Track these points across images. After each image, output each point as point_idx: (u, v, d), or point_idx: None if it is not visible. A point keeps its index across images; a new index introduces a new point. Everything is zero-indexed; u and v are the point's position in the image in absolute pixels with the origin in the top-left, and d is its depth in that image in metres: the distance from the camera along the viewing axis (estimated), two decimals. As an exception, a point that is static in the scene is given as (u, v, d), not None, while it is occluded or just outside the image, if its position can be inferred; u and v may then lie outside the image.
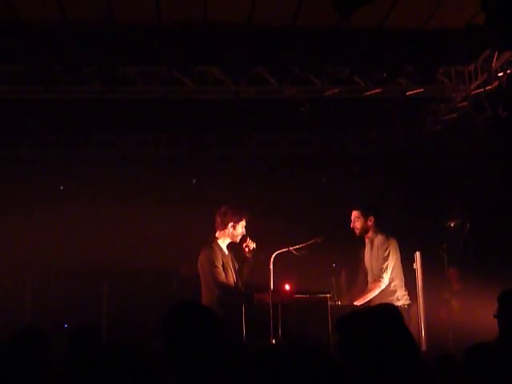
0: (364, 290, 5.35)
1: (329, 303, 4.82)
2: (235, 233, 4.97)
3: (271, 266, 4.96)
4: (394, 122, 7.24)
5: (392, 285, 5.28)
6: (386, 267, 5.24)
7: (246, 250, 5.07)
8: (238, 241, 5.03)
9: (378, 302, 5.00)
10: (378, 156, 7.81)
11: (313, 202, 7.68)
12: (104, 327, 6.92)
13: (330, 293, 4.87)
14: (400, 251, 5.38)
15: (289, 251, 5.12)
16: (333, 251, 6.45)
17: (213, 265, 4.81)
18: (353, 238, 5.51)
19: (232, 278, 4.93)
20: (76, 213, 7.52)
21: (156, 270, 7.15)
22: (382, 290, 5.23)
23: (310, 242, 5.20)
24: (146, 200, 7.46)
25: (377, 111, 6.95)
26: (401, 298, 5.25)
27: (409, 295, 5.34)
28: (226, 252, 5.03)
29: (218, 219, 5.00)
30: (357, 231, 5.42)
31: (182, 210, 7.29)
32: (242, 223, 4.99)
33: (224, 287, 4.79)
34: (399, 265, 5.35)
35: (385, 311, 1.91)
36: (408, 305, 5.23)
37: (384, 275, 5.23)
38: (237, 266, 5.06)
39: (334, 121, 7.31)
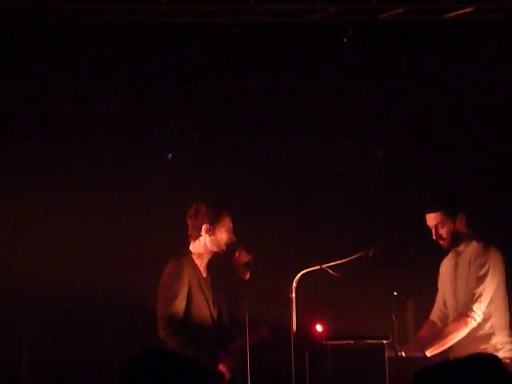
0: (441, 330, 5.34)
1: (386, 353, 4.87)
2: (215, 240, 5.17)
3: (293, 294, 5.02)
4: (493, 63, 7.14)
5: (488, 324, 5.26)
6: (481, 294, 5.20)
7: (238, 265, 5.22)
8: (221, 251, 5.20)
9: (462, 351, 4.96)
10: (466, 116, 7.73)
11: (359, 192, 7.63)
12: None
13: (388, 338, 4.90)
14: (507, 270, 5.38)
15: (322, 270, 5.15)
16: (393, 271, 6.42)
17: (168, 287, 5.11)
18: (428, 250, 5.47)
19: (207, 312, 5.14)
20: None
21: (106, 301, 7.11)
22: (470, 332, 5.21)
23: (355, 256, 5.23)
24: (90, 188, 7.42)
25: (465, 44, 6.85)
26: (501, 347, 5.23)
27: None
28: (204, 274, 5.23)
29: (189, 223, 5.25)
30: (444, 243, 5.38)
31: (149, 203, 7.29)
32: (224, 225, 5.19)
33: (169, 324, 5.00)
34: (503, 292, 5.34)
35: (485, 366, 1.91)
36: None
37: (475, 307, 5.19)
38: (221, 298, 5.26)
39: (394, 60, 7.21)
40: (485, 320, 5.24)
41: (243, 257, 5.18)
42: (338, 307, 6.40)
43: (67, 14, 6.39)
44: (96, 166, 7.50)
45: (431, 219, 5.36)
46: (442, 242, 5.37)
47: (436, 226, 5.33)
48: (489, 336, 5.23)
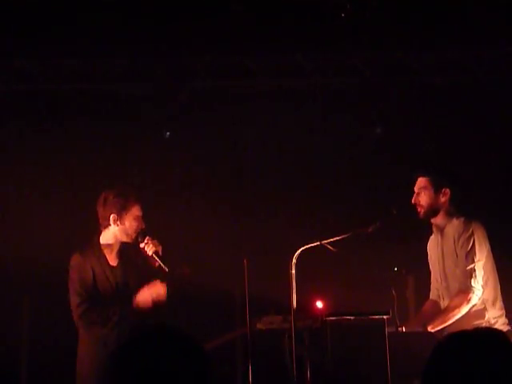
0: (444, 306, 5.34)
1: (387, 329, 4.84)
2: (123, 230, 5.21)
3: (293, 271, 5.00)
4: (494, 37, 7.06)
5: (480, 300, 5.24)
6: (474, 269, 5.18)
7: (147, 255, 5.24)
8: (130, 240, 5.24)
9: (456, 327, 4.98)
10: (465, 92, 7.69)
11: (358, 168, 7.60)
12: (24, 364, 7.19)
13: (388, 313, 4.87)
14: (492, 244, 5.34)
15: (322, 246, 5.13)
16: (393, 247, 6.41)
17: (73, 281, 5.17)
18: (427, 225, 5.46)
19: (113, 298, 5.14)
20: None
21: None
22: None
23: (355, 232, 5.22)
24: (87, 168, 7.45)
25: (466, 18, 6.78)
26: (494, 322, 5.21)
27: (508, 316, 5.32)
28: (114, 263, 5.26)
29: (98, 212, 5.28)
30: (420, 210, 5.38)
31: (148, 182, 7.25)
32: (132, 214, 5.21)
33: (78, 314, 5.10)
34: (491, 265, 5.31)
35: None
36: (507, 332, 5.08)
37: (473, 282, 5.17)
38: (132, 285, 5.23)
39: (395, 33, 7.17)
40: None
41: (151, 247, 5.18)
42: (338, 283, 6.41)
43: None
44: (91, 145, 7.49)
45: (418, 183, 5.39)
46: (418, 209, 5.36)
47: (419, 191, 5.36)
48: (482, 311, 5.22)
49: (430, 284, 5.56)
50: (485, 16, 6.78)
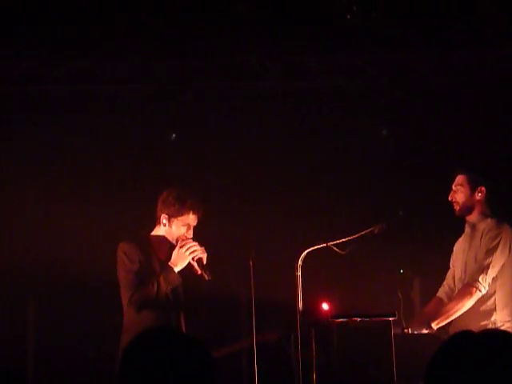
0: (447, 302, 5.34)
1: (393, 331, 4.83)
2: (170, 232, 5.18)
3: (299, 273, 4.99)
4: (499, 31, 7.04)
5: (491, 300, 5.24)
6: (488, 266, 5.17)
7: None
8: (175, 243, 5.17)
9: (462, 326, 4.99)
10: (472, 93, 7.67)
11: (365, 169, 7.60)
12: (30, 365, 7.19)
13: (394, 315, 4.87)
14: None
15: (328, 248, 5.13)
16: (399, 249, 6.40)
17: (127, 265, 5.07)
18: (434, 227, 5.45)
19: (163, 296, 5.05)
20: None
21: (110, 280, 7.14)
22: (473, 307, 5.19)
23: (361, 234, 5.19)
24: (90, 171, 7.45)
25: (472, 19, 6.77)
26: (500, 325, 5.20)
27: None
28: (163, 257, 5.19)
29: (157, 206, 5.26)
30: (456, 207, 5.40)
31: (151, 186, 7.25)
32: (183, 220, 5.14)
33: (139, 290, 5.00)
34: (511, 270, 5.30)
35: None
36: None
37: (481, 278, 5.16)
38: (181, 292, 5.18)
39: (399, 35, 7.16)
40: (489, 295, 5.21)
41: (195, 253, 5.09)
42: (343, 285, 6.40)
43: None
44: (96, 146, 7.49)
45: (456, 180, 5.40)
46: (455, 206, 5.38)
47: (456, 188, 5.37)
48: (490, 312, 5.20)
49: (438, 284, 5.55)
50: (492, 16, 6.77)
